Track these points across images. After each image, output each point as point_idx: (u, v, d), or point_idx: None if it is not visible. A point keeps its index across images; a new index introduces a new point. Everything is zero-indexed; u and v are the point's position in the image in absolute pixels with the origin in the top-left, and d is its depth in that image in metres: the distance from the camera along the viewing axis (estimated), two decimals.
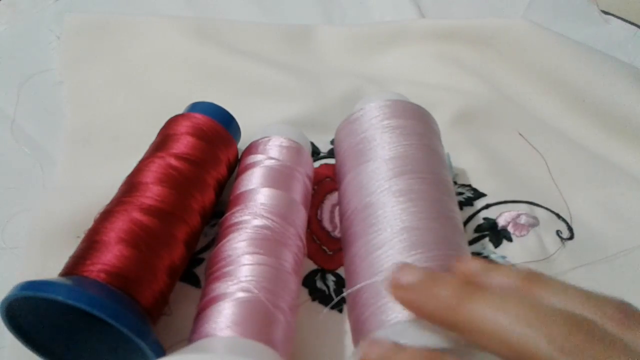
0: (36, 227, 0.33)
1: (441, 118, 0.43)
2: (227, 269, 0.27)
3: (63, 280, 0.25)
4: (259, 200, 0.30)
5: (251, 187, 0.31)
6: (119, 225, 0.27)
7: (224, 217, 0.31)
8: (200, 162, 0.31)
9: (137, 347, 0.24)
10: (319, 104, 0.43)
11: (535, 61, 0.46)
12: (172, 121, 0.34)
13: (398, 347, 0.21)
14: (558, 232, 0.38)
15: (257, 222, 0.29)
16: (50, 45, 0.46)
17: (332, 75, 0.46)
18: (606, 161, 0.43)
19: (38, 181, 0.37)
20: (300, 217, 0.32)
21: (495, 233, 0.37)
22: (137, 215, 0.27)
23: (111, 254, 0.26)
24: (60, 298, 0.22)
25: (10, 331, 0.26)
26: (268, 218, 0.29)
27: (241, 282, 0.26)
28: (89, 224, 0.31)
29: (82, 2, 0.50)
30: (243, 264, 0.27)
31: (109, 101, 0.42)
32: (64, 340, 0.28)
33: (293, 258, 0.29)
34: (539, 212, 0.38)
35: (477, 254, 0.36)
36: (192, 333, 0.26)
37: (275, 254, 0.28)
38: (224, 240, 0.29)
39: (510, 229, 0.37)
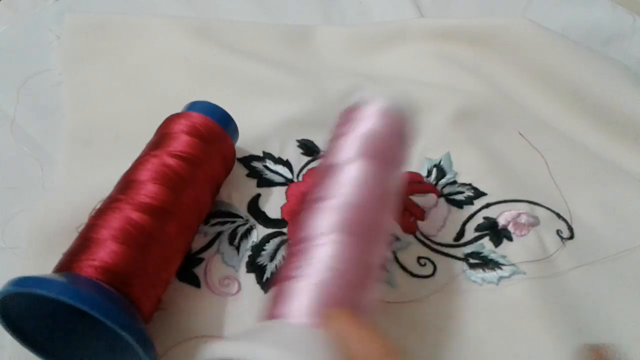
0: (36, 227, 0.33)
1: (441, 118, 0.43)
2: (309, 246, 0.25)
3: (54, 276, 0.25)
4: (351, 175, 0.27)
5: (346, 158, 0.28)
6: (112, 223, 0.27)
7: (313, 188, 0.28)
8: (196, 161, 0.31)
9: (130, 344, 0.24)
10: (319, 103, 0.43)
11: (536, 61, 0.46)
12: (169, 120, 0.34)
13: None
14: (558, 232, 0.38)
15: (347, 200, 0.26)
16: (50, 45, 0.46)
17: (332, 74, 0.46)
18: (606, 161, 0.43)
19: (38, 181, 0.37)
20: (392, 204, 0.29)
21: (496, 232, 0.37)
22: (130, 213, 0.27)
23: (104, 252, 0.26)
24: (45, 293, 0.22)
25: (6, 329, 0.26)
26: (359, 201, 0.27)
27: (322, 263, 0.24)
28: None
29: (82, 2, 0.50)
30: (326, 244, 0.25)
31: (109, 101, 0.42)
32: (62, 339, 0.28)
33: (379, 246, 0.27)
34: (539, 212, 0.38)
35: (476, 254, 0.36)
36: (271, 308, 0.24)
37: (364, 239, 0.26)
38: (312, 214, 0.27)
39: (510, 228, 0.37)
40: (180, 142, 0.32)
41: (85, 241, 0.27)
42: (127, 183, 0.30)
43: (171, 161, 0.30)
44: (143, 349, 0.24)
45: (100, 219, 0.28)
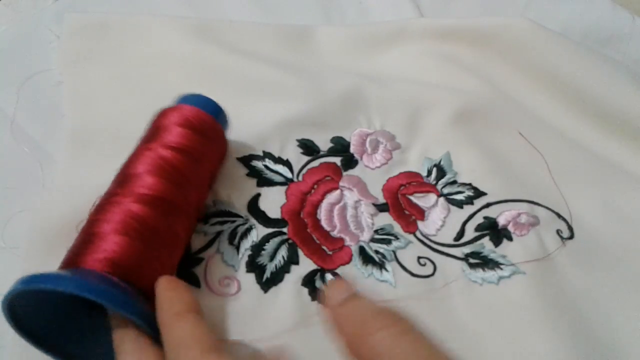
0: (36, 227, 0.33)
1: (441, 117, 0.43)
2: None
3: (60, 271, 0.25)
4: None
5: None
6: (113, 217, 0.27)
7: None
8: (190, 151, 0.32)
9: None
10: (318, 103, 0.43)
11: (536, 61, 0.46)
12: (160, 114, 0.34)
13: (356, 294, 0.22)
14: (558, 232, 0.38)
15: None
16: (50, 45, 0.46)
17: (332, 74, 0.46)
18: (606, 161, 0.43)
19: (38, 181, 0.37)
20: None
21: (496, 232, 0.37)
22: (130, 205, 0.28)
23: (107, 245, 0.26)
24: (53, 287, 0.23)
25: (15, 329, 0.26)
26: None
27: None
28: None
29: (82, 2, 0.50)
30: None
31: (109, 101, 0.42)
32: (69, 334, 0.28)
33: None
34: (540, 212, 0.38)
35: (476, 254, 0.36)
36: None
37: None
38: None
39: (510, 228, 0.37)
40: (174, 134, 0.32)
41: (88, 236, 0.27)
42: (124, 177, 0.30)
43: (166, 153, 0.31)
44: (156, 334, 0.24)
45: (100, 213, 0.28)
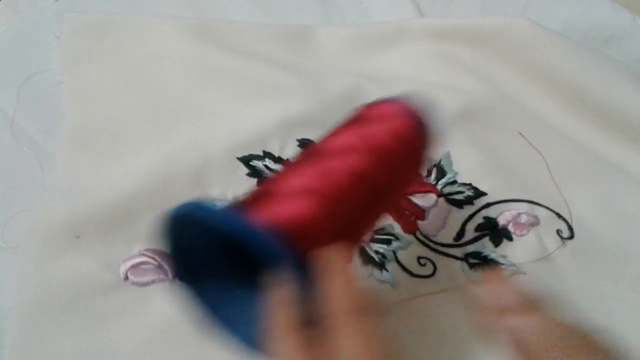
0: (36, 227, 0.33)
1: (441, 117, 0.43)
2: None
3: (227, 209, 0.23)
4: None
5: None
6: (298, 179, 0.25)
7: None
8: (401, 155, 0.28)
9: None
10: (318, 103, 0.43)
11: (536, 61, 0.46)
12: (377, 103, 0.31)
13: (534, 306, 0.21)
14: (558, 232, 0.38)
15: None
16: (50, 45, 0.46)
17: (332, 74, 0.46)
18: (606, 161, 0.43)
19: (38, 181, 0.37)
20: None
21: (496, 232, 0.37)
22: (316, 176, 0.25)
23: (284, 204, 0.23)
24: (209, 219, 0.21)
25: (167, 243, 0.24)
26: None
27: None
28: (89, 223, 0.31)
29: (82, 2, 0.50)
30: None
31: (108, 101, 0.42)
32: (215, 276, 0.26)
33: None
34: (540, 212, 0.38)
35: (477, 254, 0.36)
36: None
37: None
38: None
39: (510, 228, 0.37)
40: (397, 125, 0.29)
41: (265, 193, 0.25)
42: (320, 149, 0.27)
43: (385, 141, 0.28)
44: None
45: (288, 173, 0.25)
